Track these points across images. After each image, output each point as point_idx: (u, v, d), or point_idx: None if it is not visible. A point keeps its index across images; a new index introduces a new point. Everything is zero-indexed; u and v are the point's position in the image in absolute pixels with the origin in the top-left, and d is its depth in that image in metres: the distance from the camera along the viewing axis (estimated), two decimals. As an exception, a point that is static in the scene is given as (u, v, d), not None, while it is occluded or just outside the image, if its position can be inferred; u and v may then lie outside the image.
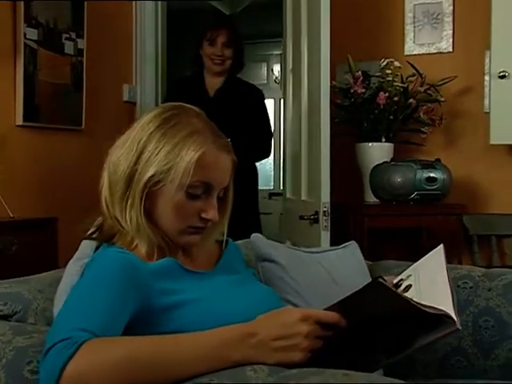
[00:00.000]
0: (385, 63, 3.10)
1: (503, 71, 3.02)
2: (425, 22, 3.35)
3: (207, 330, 1.03)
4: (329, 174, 2.82)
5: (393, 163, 2.97)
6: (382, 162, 3.00)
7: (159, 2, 3.87)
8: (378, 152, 3.08)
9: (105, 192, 1.28)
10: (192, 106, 1.33)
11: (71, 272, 1.29)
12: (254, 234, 1.74)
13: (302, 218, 2.89)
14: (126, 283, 1.12)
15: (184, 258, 1.31)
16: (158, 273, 1.19)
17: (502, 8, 3.04)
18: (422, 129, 3.16)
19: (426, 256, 1.35)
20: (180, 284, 1.20)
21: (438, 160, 2.99)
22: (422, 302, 1.07)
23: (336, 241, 2.78)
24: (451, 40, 3.31)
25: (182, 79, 3.52)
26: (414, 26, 3.36)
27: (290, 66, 3.41)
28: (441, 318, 1.06)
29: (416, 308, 1.05)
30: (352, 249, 2.03)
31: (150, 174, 1.22)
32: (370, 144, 3.10)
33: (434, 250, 1.34)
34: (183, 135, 1.23)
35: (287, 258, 1.76)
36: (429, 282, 1.21)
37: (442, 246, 1.34)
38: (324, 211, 2.81)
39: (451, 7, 3.31)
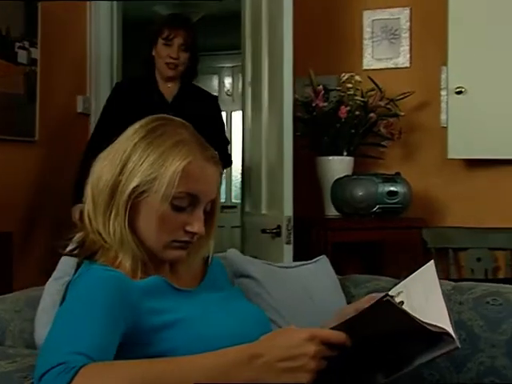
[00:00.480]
0: (346, 77, 3.11)
1: (460, 87, 3.07)
2: (383, 37, 3.38)
3: (210, 353, 0.99)
4: (291, 187, 2.81)
5: (354, 177, 2.97)
6: (343, 175, 3.01)
7: (114, 11, 3.80)
8: (338, 165, 3.08)
9: (87, 205, 1.23)
10: (177, 118, 1.29)
11: (51, 291, 1.23)
12: (229, 250, 1.71)
13: (264, 231, 2.87)
14: (116, 303, 1.07)
15: (170, 274, 1.26)
16: (146, 291, 1.15)
17: (459, 25, 3.10)
18: (382, 143, 3.18)
19: (417, 272, 1.34)
20: (168, 303, 1.16)
21: (398, 174, 3.02)
22: (422, 319, 1.06)
23: (298, 255, 2.78)
24: (408, 55, 3.35)
25: (132, 79, 3.16)
26: (373, 41, 3.39)
27: (248, 78, 3.40)
28: (441, 335, 1.05)
29: (420, 326, 1.03)
30: (323, 263, 2.02)
31: (134, 184, 1.18)
32: (331, 157, 3.10)
33: (425, 265, 1.33)
34: (169, 145, 1.20)
35: (263, 273, 1.74)
36: (422, 298, 1.20)
37: (432, 261, 1.33)
38: (287, 225, 2.80)
39: (408, 23, 3.36)
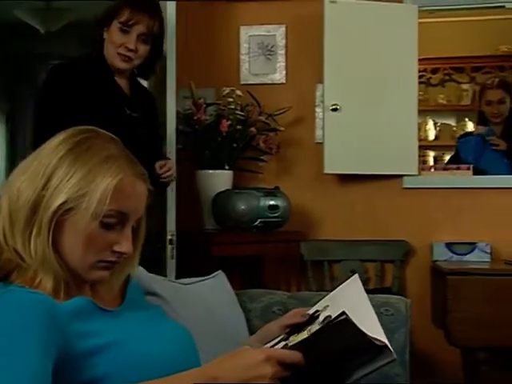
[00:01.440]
0: (227, 91, 3.12)
1: (335, 104, 3.18)
2: (259, 52, 3.43)
3: (165, 378, 0.94)
4: (175, 202, 2.77)
5: (236, 191, 2.98)
6: (224, 189, 3.00)
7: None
8: (219, 179, 3.08)
9: (3, 221, 1.13)
10: (105, 132, 1.21)
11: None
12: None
13: (146, 246, 2.79)
14: (45, 328, 0.99)
15: (92, 294, 1.19)
16: (73, 314, 1.07)
17: (334, 44, 3.20)
18: (262, 157, 3.22)
19: (341, 286, 1.36)
20: (96, 325, 1.10)
21: (277, 188, 3.07)
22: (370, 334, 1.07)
23: (181, 270, 2.74)
24: (284, 72, 3.42)
25: (76, 64, 2.42)
26: (250, 57, 3.43)
27: (125, 89, 3.31)
28: (381, 348, 1.07)
29: (369, 341, 1.04)
30: (220, 278, 2.01)
31: (60, 200, 1.10)
32: (211, 171, 3.09)
33: (349, 279, 1.35)
34: (98, 160, 1.13)
35: (167, 290, 1.71)
36: (350, 311, 1.21)
37: (356, 275, 1.35)
38: (170, 240, 2.75)
39: (284, 40, 3.43)
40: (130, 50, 2.35)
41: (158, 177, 2.44)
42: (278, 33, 3.43)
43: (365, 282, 3.32)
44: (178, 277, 2.54)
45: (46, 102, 2.37)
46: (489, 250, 3.12)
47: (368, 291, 2.16)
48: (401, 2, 3.33)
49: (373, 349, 1.07)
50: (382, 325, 1.90)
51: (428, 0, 3.32)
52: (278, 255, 3.01)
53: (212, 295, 1.89)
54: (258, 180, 3.32)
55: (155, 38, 2.40)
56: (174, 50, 2.80)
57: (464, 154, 3.54)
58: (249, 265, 3.03)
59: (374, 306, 1.91)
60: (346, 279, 1.37)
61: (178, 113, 2.90)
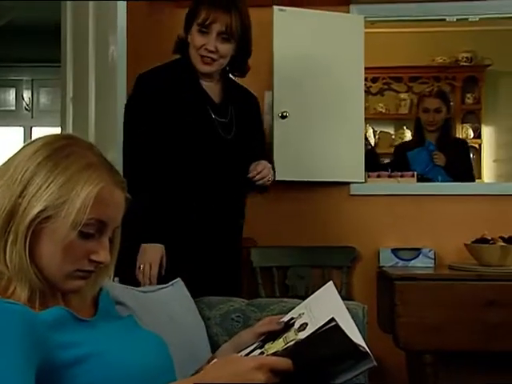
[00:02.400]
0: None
1: (284, 111, 3.20)
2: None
3: None
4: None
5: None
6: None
7: None
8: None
9: None
10: (84, 140, 1.19)
11: None
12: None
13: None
14: (27, 339, 0.97)
15: (65, 304, 1.16)
16: (52, 325, 1.05)
17: (283, 52, 3.23)
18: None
19: (316, 293, 1.37)
20: (75, 335, 1.08)
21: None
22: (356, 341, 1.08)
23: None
24: (233, 79, 3.42)
25: (161, 72, 2.39)
26: (198, 63, 3.41)
27: (70, 94, 3.25)
28: (364, 354, 1.08)
29: (354, 347, 1.05)
30: (179, 286, 2.00)
31: (38, 208, 1.07)
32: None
33: (324, 286, 1.36)
34: (78, 168, 1.11)
35: (132, 299, 1.68)
36: (327, 318, 1.22)
37: (331, 282, 1.36)
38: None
39: (232, 48, 3.43)
40: (211, 51, 2.28)
41: (251, 180, 2.40)
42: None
43: (314, 288, 3.35)
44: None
45: (132, 111, 2.36)
46: (432, 256, 3.20)
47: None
48: (348, 12, 3.38)
49: (356, 355, 1.08)
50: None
51: (373, 11, 3.39)
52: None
53: (172, 303, 1.88)
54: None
55: (238, 35, 2.29)
56: (125, 55, 2.76)
57: (415, 165, 3.61)
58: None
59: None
60: (321, 286, 1.38)
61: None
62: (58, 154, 1.12)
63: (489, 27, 4.77)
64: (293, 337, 1.16)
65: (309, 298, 1.37)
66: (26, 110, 6.08)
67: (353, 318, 1.96)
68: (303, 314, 1.26)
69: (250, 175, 2.39)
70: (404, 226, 3.31)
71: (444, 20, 3.43)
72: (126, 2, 2.74)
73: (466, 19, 3.39)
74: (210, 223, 2.35)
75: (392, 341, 2.85)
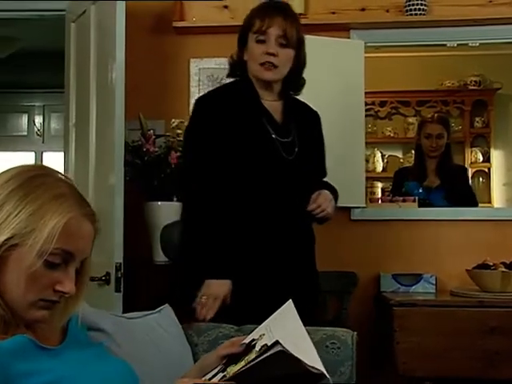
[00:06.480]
0: (176, 123, 3.12)
1: (284, 137, 3.20)
2: (209, 85, 3.45)
3: None
4: (122, 234, 2.74)
5: (184, 222, 2.96)
6: (172, 221, 2.99)
7: None
8: (167, 211, 3.06)
9: None
10: (57, 171, 1.21)
11: None
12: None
13: (92, 279, 2.76)
14: None
15: (29, 332, 1.16)
16: (13, 353, 1.06)
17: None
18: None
19: (275, 313, 1.36)
20: (37, 364, 1.08)
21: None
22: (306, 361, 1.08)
23: (128, 303, 2.70)
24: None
25: (221, 93, 2.33)
26: (199, 89, 3.45)
27: (73, 120, 3.29)
28: (318, 375, 1.08)
29: (305, 369, 1.05)
30: (167, 312, 2.00)
31: (6, 236, 1.09)
32: (160, 203, 3.08)
33: (283, 306, 1.36)
34: (48, 198, 1.12)
35: (112, 325, 1.68)
36: (287, 338, 1.21)
37: (290, 301, 1.36)
38: (117, 272, 2.72)
39: (233, 73, 3.46)
40: (271, 54, 2.20)
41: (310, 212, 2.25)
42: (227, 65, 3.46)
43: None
44: (125, 311, 2.50)
45: (191, 136, 2.31)
46: (434, 281, 3.17)
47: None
48: (348, 37, 3.40)
49: (310, 375, 1.08)
50: (327, 358, 1.92)
51: (374, 36, 3.40)
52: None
53: (157, 329, 1.87)
54: (207, 212, 3.31)
55: (295, 42, 2.23)
56: (123, 80, 2.79)
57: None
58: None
59: (320, 339, 1.96)
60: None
61: (126, 144, 2.89)
62: (30, 183, 1.14)
63: (497, 51, 4.76)
64: (251, 360, 1.15)
65: (269, 319, 1.36)
66: (38, 135, 6.17)
67: (341, 345, 1.97)
68: (264, 335, 1.26)
69: (309, 208, 2.25)
70: (405, 251, 3.29)
71: (444, 45, 3.43)
72: (124, 28, 2.79)
73: (466, 44, 3.39)
74: (282, 251, 2.23)
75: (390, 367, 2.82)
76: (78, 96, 3.24)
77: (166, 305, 2.02)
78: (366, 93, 3.37)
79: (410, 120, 5.47)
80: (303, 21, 3.23)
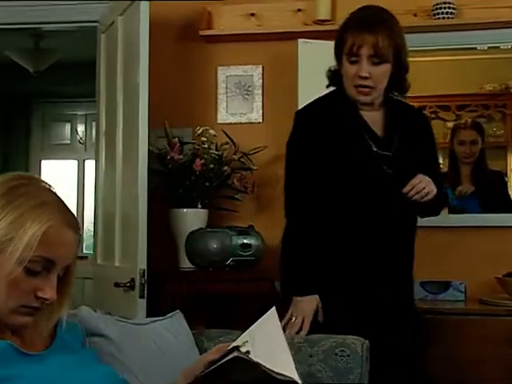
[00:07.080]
0: (200, 131, 3.15)
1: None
2: (237, 92, 3.47)
3: None
4: (146, 240, 2.78)
5: (209, 229, 2.99)
6: (197, 228, 3.01)
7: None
8: (192, 218, 3.09)
9: None
10: (43, 180, 1.23)
11: None
12: (81, 307, 1.65)
13: (117, 285, 2.80)
14: None
15: (15, 338, 1.19)
16: (-9, 358, 1.07)
17: (308, 84, 3.23)
18: (236, 196, 3.23)
19: (260, 320, 1.37)
20: (16, 370, 1.10)
21: (252, 226, 3.07)
22: (271, 368, 1.08)
23: (152, 309, 2.73)
24: (261, 111, 3.46)
25: (320, 107, 2.29)
26: (227, 96, 3.47)
27: (103, 128, 3.36)
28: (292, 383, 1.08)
29: (271, 375, 1.05)
30: (178, 318, 2.02)
31: None
32: (185, 210, 3.11)
33: (267, 313, 1.36)
34: (29, 206, 1.15)
35: (116, 331, 1.70)
36: (266, 346, 1.22)
37: (274, 308, 1.36)
38: (141, 278, 2.75)
39: (261, 80, 3.47)
40: (364, 78, 2.15)
41: (405, 195, 2.14)
42: (255, 73, 3.48)
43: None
44: (149, 317, 2.53)
45: (293, 149, 2.30)
46: (463, 289, 3.10)
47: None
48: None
49: (283, 382, 1.08)
50: (336, 366, 1.91)
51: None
52: (252, 294, 3.00)
53: (165, 335, 1.89)
54: (234, 219, 3.33)
55: (390, 54, 2.14)
56: (147, 88, 2.83)
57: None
58: (221, 304, 3.02)
59: (330, 346, 1.94)
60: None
61: (151, 152, 2.93)
62: (13, 192, 1.17)
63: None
64: (215, 366, 1.16)
65: (253, 325, 1.37)
66: (80, 143, 6.30)
67: (351, 353, 1.95)
68: (247, 342, 1.26)
69: (404, 190, 2.14)
70: (433, 258, 3.22)
71: (475, 49, 3.36)
72: (148, 37, 2.83)
73: (498, 47, 3.31)
74: (380, 267, 2.22)
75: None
76: (108, 105, 3.31)
77: (178, 311, 2.03)
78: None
79: (449, 125, 5.38)
80: (329, 27, 3.24)
